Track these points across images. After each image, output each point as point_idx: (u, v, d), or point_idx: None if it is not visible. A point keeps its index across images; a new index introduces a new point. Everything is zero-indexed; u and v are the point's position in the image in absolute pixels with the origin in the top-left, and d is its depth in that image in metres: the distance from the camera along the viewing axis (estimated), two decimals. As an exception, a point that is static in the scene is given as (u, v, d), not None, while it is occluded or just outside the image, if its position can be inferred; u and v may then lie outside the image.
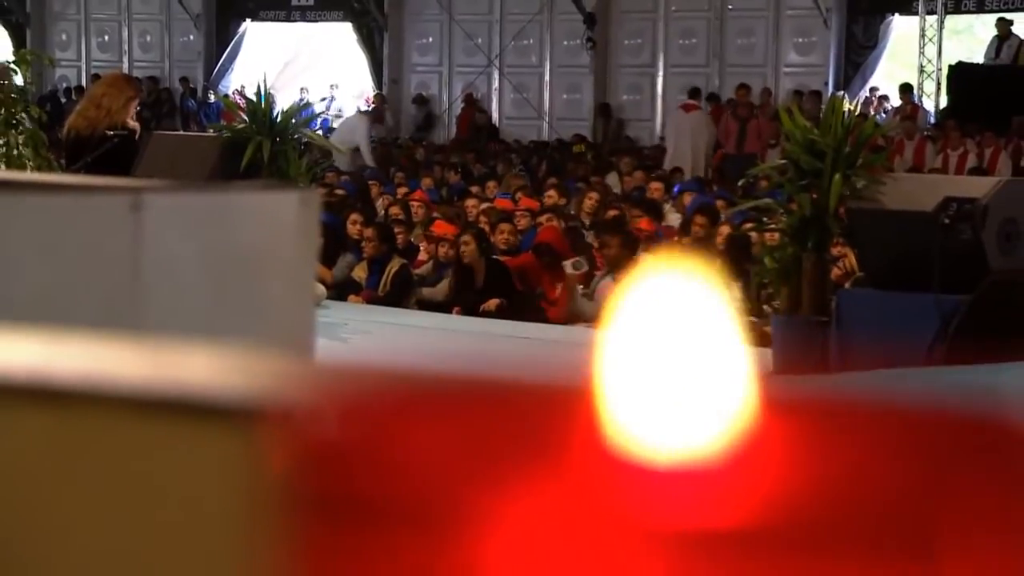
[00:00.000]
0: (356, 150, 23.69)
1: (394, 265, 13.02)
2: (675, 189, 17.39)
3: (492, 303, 12.29)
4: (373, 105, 27.84)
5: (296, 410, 0.92)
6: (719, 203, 14.60)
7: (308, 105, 13.65)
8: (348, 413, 0.92)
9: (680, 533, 0.84)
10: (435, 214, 15.12)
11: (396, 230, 13.70)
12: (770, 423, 0.85)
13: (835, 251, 11.03)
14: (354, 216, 14.04)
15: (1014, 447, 0.85)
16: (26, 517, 1.00)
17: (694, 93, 24.61)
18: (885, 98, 25.04)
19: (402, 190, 17.72)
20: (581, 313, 12.08)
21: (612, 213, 14.42)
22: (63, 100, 28.75)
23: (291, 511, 0.91)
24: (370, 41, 29.43)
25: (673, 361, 0.87)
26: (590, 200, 15.45)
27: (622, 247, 12.09)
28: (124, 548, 0.98)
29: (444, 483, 0.87)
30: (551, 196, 15.85)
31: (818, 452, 0.84)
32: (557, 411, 0.89)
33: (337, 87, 29.91)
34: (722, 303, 0.88)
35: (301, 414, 0.92)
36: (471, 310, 12.21)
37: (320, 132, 18.77)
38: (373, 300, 12.76)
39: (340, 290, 12.93)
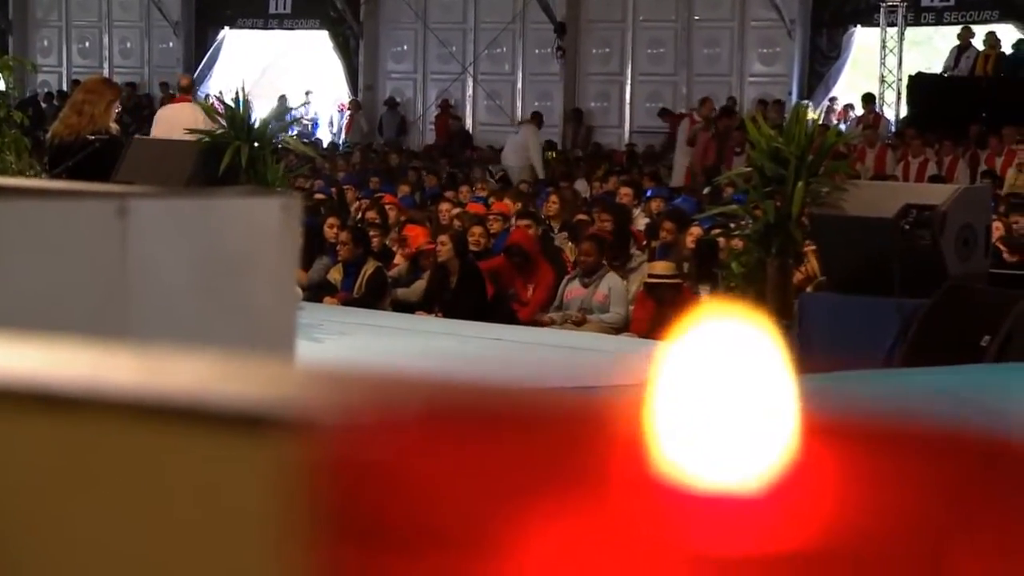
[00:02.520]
0: (530, 167, 23.16)
1: (369, 268, 13.08)
2: (647, 193, 17.56)
3: None
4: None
5: (326, 422, 0.88)
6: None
7: (286, 111, 13.77)
8: (378, 427, 0.88)
9: (721, 559, 0.81)
10: (403, 218, 15.25)
11: (372, 233, 13.75)
12: (814, 448, 0.82)
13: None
14: (331, 220, 14.02)
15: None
16: (30, 525, 0.97)
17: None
18: (850, 107, 25.15)
19: (378, 195, 17.88)
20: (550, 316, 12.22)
21: (580, 217, 14.56)
22: (44, 105, 28.82)
23: (314, 529, 0.87)
24: (346, 49, 29.50)
25: (720, 387, 0.85)
26: (552, 204, 15.55)
27: (599, 253, 12.21)
28: (136, 559, 0.95)
29: (475, 506, 0.84)
30: (506, 204, 16.05)
31: (859, 480, 0.82)
32: (598, 431, 0.85)
33: (311, 92, 29.92)
34: (772, 341, 0.87)
35: (331, 427, 0.88)
36: (446, 311, 12.35)
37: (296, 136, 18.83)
38: (348, 302, 12.76)
39: (316, 292, 12.87)
